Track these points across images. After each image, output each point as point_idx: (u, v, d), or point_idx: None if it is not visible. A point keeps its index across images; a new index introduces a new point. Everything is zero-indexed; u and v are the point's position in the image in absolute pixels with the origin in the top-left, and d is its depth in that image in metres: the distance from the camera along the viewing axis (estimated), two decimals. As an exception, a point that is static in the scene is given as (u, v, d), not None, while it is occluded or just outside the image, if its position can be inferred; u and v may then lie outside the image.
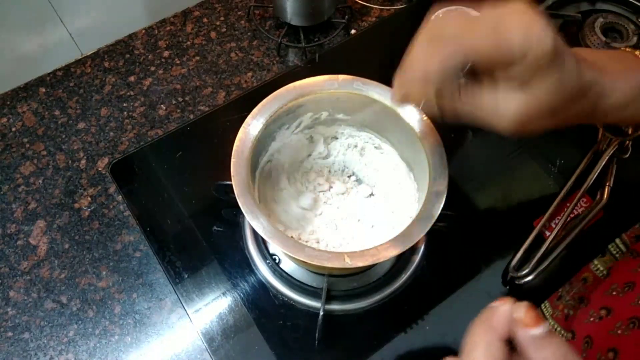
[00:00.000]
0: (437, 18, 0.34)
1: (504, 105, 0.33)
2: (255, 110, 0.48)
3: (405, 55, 0.36)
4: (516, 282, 0.56)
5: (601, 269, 0.52)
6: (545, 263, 0.56)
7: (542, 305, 0.53)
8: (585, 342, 0.42)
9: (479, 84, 0.35)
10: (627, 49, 0.40)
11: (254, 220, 0.42)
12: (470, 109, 0.35)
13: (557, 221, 0.59)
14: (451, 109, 0.36)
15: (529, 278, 0.56)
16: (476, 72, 0.35)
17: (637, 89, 0.36)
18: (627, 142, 0.62)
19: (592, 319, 0.43)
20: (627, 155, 0.62)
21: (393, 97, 0.37)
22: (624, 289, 0.43)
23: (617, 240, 0.53)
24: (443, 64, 0.32)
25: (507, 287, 0.56)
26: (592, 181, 0.60)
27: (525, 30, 0.29)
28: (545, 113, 0.33)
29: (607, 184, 0.60)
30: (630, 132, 0.61)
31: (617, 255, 0.53)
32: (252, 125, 0.47)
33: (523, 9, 0.30)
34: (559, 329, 0.49)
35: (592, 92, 0.34)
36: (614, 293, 0.43)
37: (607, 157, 0.61)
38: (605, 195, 0.60)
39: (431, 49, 0.33)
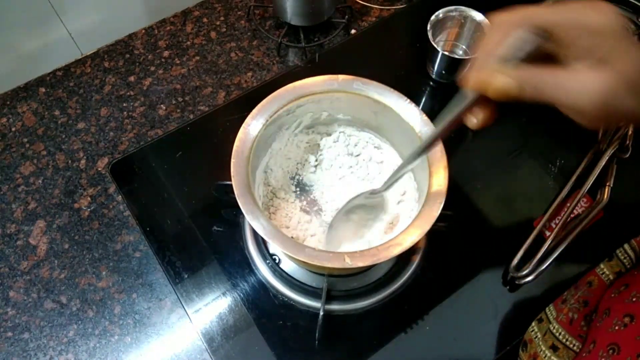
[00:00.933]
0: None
1: (588, 83, 0.31)
2: (255, 111, 0.48)
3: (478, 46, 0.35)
4: (516, 282, 0.56)
5: (607, 273, 0.52)
6: (546, 263, 0.56)
7: (547, 309, 0.52)
8: (611, 349, 0.42)
9: (553, 66, 0.33)
10: None
11: (254, 221, 0.42)
12: (550, 88, 0.33)
13: (557, 221, 0.59)
14: (531, 85, 0.34)
15: (530, 278, 0.56)
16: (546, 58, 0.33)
17: None
18: (628, 142, 0.62)
19: (616, 327, 0.43)
20: (628, 155, 0.62)
21: (470, 81, 0.35)
22: None
23: (626, 246, 0.53)
24: (520, 33, 0.31)
25: (507, 287, 0.56)
26: (592, 181, 0.60)
27: (602, 5, 0.30)
28: (631, 90, 0.31)
29: (608, 183, 0.60)
30: None
31: (626, 261, 0.52)
32: (252, 126, 0.47)
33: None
34: (562, 332, 0.49)
35: None
36: (634, 300, 0.43)
37: (607, 157, 0.61)
38: (605, 195, 0.60)
39: (506, 26, 0.32)
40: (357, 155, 0.57)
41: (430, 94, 0.70)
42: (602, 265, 0.52)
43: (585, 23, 0.30)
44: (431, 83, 0.70)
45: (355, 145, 0.57)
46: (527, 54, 0.33)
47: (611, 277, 0.51)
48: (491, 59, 0.33)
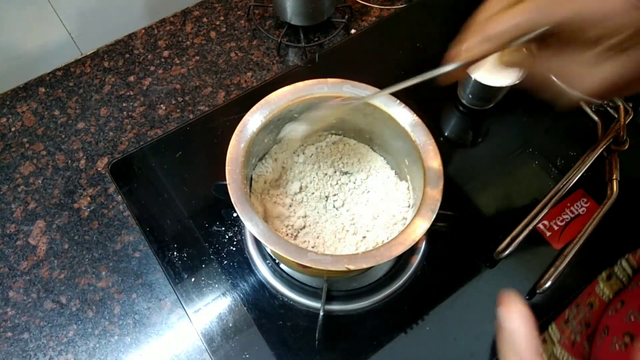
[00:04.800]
0: None
1: (597, 72, 0.32)
2: (247, 116, 0.47)
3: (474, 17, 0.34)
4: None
5: (607, 293, 0.51)
6: (552, 269, 0.56)
7: (550, 328, 0.52)
8: None
9: (558, 51, 0.33)
10: None
11: (253, 228, 0.42)
12: (552, 70, 0.33)
13: (558, 221, 0.59)
14: (530, 66, 0.34)
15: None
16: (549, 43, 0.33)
17: None
18: (622, 133, 0.61)
19: (617, 346, 0.42)
20: (626, 148, 0.62)
21: (460, 53, 0.35)
22: None
23: (624, 263, 0.52)
24: (530, 22, 0.31)
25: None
26: (592, 180, 0.60)
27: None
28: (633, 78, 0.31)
29: (614, 177, 0.60)
30: None
31: (624, 279, 0.52)
32: (244, 133, 0.47)
33: None
34: (566, 355, 0.48)
35: None
36: (632, 318, 0.43)
37: (601, 150, 0.61)
38: (615, 190, 0.59)
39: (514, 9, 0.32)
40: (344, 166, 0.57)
41: (430, 93, 0.69)
42: (601, 285, 0.52)
43: (589, 16, 0.30)
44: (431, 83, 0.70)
45: (347, 145, 0.57)
46: (530, 40, 0.32)
47: (611, 296, 0.51)
48: (492, 41, 0.33)
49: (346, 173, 0.57)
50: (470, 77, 0.61)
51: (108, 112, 0.69)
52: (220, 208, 0.59)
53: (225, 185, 0.44)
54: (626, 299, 0.46)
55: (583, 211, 0.60)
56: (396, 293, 0.55)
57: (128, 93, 0.70)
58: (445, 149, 0.59)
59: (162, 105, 0.69)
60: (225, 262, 0.57)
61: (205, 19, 0.77)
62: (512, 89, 0.62)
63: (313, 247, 0.52)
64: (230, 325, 0.53)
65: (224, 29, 0.76)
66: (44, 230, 0.60)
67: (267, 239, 0.42)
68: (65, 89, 0.71)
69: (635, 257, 0.52)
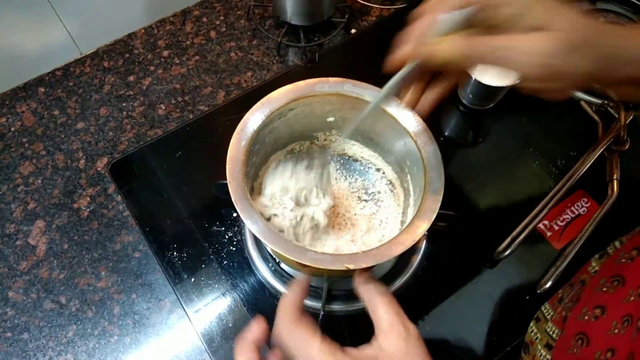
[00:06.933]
0: None
1: (529, 43, 0.32)
2: (247, 115, 0.47)
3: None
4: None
5: (598, 269, 0.51)
6: (553, 268, 0.56)
7: (543, 308, 0.52)
8: (579, 339, 0.41)
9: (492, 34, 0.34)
10: None
11: (253, 226, 0.42)
12: (491, 54, 0.34)
13: (559, 221, 0.59)
14: (472, 51, 0.35)
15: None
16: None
17: None
18: (622, 133, 0.61)
19: (586, 317, 0.42)
20: (627, 148, 0.61)
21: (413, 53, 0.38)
22: (613, 283, 0.42)
23: (617, 243, 0.53)
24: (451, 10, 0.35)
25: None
26: (593, 179, 0.60)
27: None
28: (572, 48, 0.32)
29: (615, 177, 0.60)
30: None
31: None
32: (244, 131, 0.46)
33: None
34: (557, 331, 0.48)
35: (614, 39, 0.34)
36: (604, 289, 0.43)
37: (601, 150, 0.61)
38: (615, 190, 0.59)
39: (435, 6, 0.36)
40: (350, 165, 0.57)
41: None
42: (593, 263, 0.52)
43: None
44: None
45: (348, 146, 0.57)
46: (463, 24, 0.35)
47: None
48: (430, 33, 0.36)
49: (350, 172, 0.57)
50: (471, 77, 0.61)
51: (108, 112, 0.69)
52: (220, 208, 0.59)
53: (226, 184, 0.44)
54: (601, 269, 0.46)
55: (583, 211, 0.60)
56: (396, 293, 0.55)
57: (128, 93, 0.70)
58: (446, 148, 0.58)
59: (161, 105, 0.69)
60: (225, 262, 0.57)
61: (205, 19, 0.77)
62: (512, 89, 0.62)
63: (312, 247, 0.51)
64: (230, 325, 0.53)
65: (224, 29, 0.76)
66: (43, 231, 0.60)
67: (266, 238, 0.42)
68: (64, 88, 0.71)
69: (628, 237, 0.52)
